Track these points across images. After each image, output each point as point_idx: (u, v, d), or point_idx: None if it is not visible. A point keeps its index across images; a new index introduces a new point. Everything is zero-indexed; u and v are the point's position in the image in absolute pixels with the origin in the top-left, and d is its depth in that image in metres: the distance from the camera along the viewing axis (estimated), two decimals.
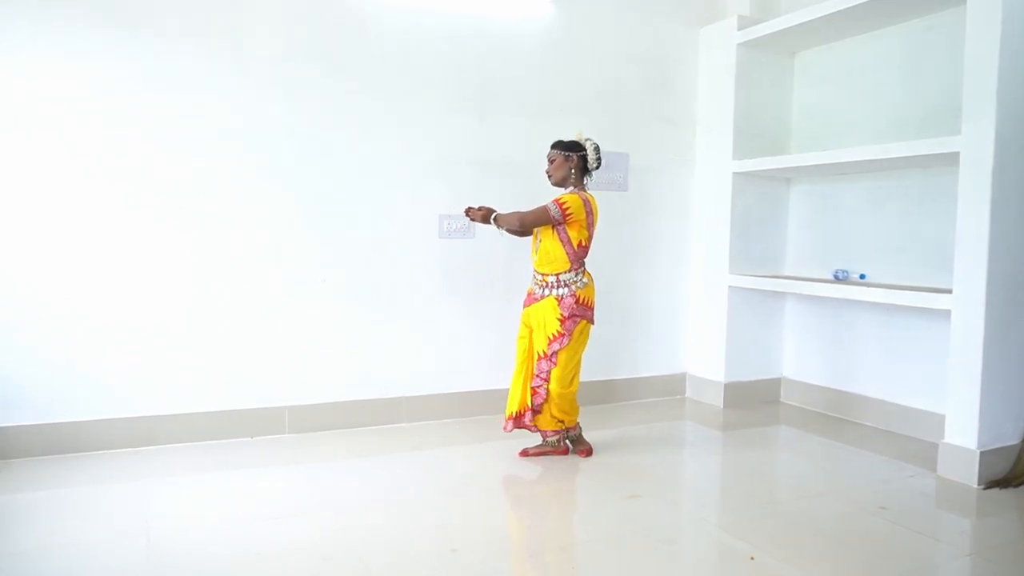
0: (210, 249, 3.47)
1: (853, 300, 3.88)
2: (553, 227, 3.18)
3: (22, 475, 3.03)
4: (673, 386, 4.65)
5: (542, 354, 3.22)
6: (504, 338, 3.87)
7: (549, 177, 3.28)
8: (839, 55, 4.22)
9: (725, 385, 4.40)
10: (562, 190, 3.25)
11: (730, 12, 4.49)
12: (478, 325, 4.03)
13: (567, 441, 3.40)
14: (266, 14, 3.51)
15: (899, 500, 2.91)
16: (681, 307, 4.65)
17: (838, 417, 4.18)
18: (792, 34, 4.10)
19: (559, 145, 3.26)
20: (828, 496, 2.95)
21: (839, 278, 4.10)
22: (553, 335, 3.19)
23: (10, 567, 2.25)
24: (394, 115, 3.78)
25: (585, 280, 3.24)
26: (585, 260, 3.26)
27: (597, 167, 3.27)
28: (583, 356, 3.31)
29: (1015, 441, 3.19)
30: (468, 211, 3.35)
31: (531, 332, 3.30)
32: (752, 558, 2.37)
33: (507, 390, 3.41)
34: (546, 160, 3.30)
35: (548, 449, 3.38)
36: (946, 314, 3.26)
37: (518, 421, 3.30)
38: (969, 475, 3.08)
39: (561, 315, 3.17)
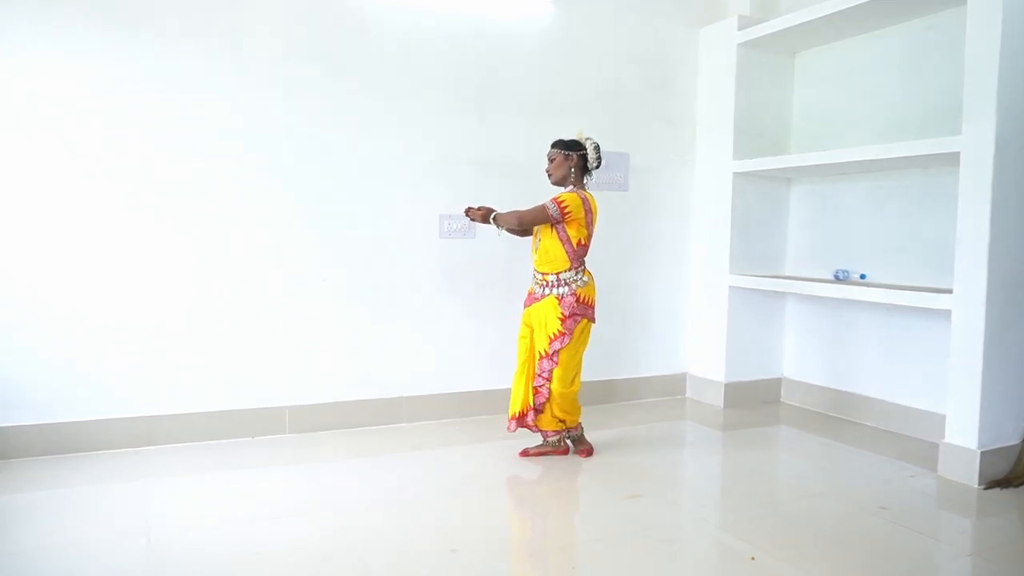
0: (210, 249, 3.47)
1: (853, 300, 3.88)
2: (552, 226, 3.18)
3: (22, 475, 3.03)
4: (673, 386, 4.64)
5: (544, 353, 3.22)
6: (504, 338, 3.87)
7: (549, 176, 3.28)
8: (839, 55, 4.22)
9: (725, 385, 4.40)
10: (562, 189, 3.25)
11: (730, 12, 4.49)
12: (478, 325, 4.03)
13: (567, 441, 3.40)
14: (266, 14, 3.51)
15: (899, 500, 2.90)
16: (681, 307, 4.65)
17: (838, 417, 4.18)
18: (792, 34, 4.10)
19: (559, 144, 3.26)
20: (828, 496, 2.95)
21: (839, 278, 4.10)
22: (554, 334, 3.19)
23: (10, 567, 2.25)
24: (394, 115, 3.78)
25: (585, 279, 3.24)
26: (585, 259, 3.26)
27: (597, 166, 3.27)
28: (584, 356, 3.31)
29: (1015, 441, 3.19)
30: (468, 211, 3.35)
31: (532, 332, 3.30)
32: (752, 558, 2.37)
33: (507, 390, 3.41)
34: (546, 159, 3.30)
35: (548, 449, 3.38)
36: (946, 314, 3.25)
37: (521, 421, 3.30)
38: (969, 475, 3.08)
39: (562, 314, 3.17)
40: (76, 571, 2.24)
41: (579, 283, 3.21)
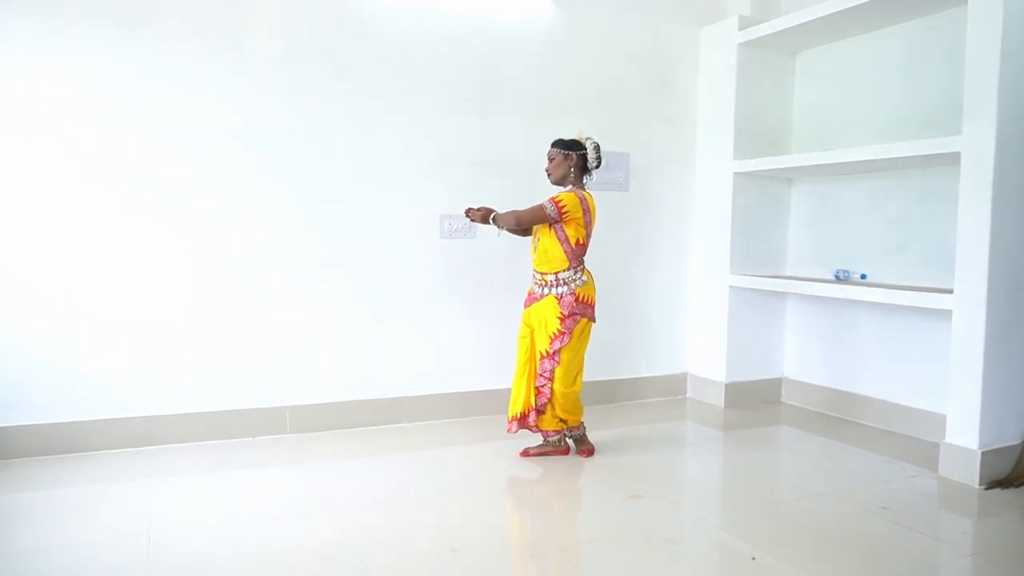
0: (210, 249, 3.47)
1: (854, 300, 3.88)
2: (550, 225, 3.18)
3: (22, 475, 3.03)
4: (674, 386, 4.64)
5: (544, 353, 3.22)
6: (505, 338, 3.87)
7: (548, 176, 3.28)
8: (840, 55, 4.21)
9: (726, 385, 4.40)
10: (561, 189, 3.25)
11: (731, 12, 4.49)
12: (478, 325, 4.03)
13: (568, 440, 3.40)
14: (266, 14, 3.51)
15: (900, 500, 2.90)
16: (682, 307, 4.65)
17: (839, 417, 4.18)
18: (793, 34, 4.10)
19: (559, 144, 3.25)
20: (829, 496, 2.95)
21: (840, 278, 4.10)
22: (554, 334, 3.19)
23: (10, 567, 2.24)
24: (394, 115, 3.78)
25: (584, 278, 3.24)
26: (584, 258, 3.26)
27: (597, 166, 3.27)
28: (585, 356, 3.30)
29: (1016, 441, 3.19)
30: (468, 212, 3.35)
31: (532, 332, 3.30)
32: (753, 558, 2.36)
33: (507, 390, 3.41)
34: (546, 159, 3.30)
35: (549, 449, 3.38)
36: (947, 314, 3.25)
37: (522, 422, 3.29)
38: (970, 475, 3.08)
39: (561, 313, 3.17)
40: (76, 571, 2.24)
41: (578, 282, 3.21)
